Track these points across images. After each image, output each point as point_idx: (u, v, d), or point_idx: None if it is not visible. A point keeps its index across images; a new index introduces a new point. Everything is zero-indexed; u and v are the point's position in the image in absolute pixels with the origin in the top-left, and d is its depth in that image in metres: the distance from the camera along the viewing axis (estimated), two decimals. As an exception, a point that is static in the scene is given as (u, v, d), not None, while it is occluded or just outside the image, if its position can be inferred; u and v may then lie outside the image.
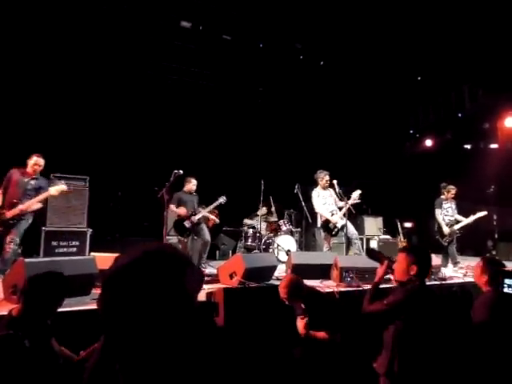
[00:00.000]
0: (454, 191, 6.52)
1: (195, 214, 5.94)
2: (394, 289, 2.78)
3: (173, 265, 0.76)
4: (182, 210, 5.90)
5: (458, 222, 6.41)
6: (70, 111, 6.99)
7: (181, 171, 4.84)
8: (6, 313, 2.60)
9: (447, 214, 6.48)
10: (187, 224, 5.88)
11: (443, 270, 5.14)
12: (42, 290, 2.13)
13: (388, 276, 3.02)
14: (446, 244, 6.31)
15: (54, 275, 2.23)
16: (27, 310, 2.13)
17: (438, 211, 6.48)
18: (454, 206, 6.54)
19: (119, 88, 7.37)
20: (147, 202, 6.18)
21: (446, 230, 6.33)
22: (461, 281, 4.82)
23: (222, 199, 6.06)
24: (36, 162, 4.48)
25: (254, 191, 6.84)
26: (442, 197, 6.56)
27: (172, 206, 5.85)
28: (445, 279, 4.64)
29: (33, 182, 4.47)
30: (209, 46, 7.20)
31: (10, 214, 4.29)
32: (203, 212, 6.04)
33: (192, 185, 6.11)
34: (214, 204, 6.07)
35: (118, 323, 0.73)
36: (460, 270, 5.68)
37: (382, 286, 2.83)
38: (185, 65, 7.59)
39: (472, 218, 6.32)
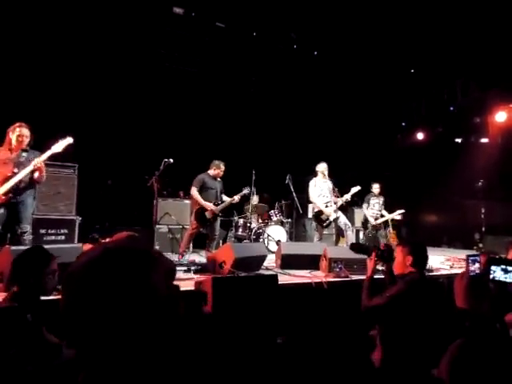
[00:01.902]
0: (378, 189, 7.40)
1: (218, 205, 5.62)
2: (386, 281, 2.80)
3: (135, 261, 0.74)
4: (204, 201, 5.54)
5: (382, 216, 7.32)
6: (60, 97, 6.87)
7: (171, 160, 4.80)
8: None
9: (373, 209, 7.33)
10: (208, 215, 5.59)
11: (430, 261, 5.20)
12: (24, 263, 2.24)
13: (379, 267, 3.05)
14: (369, 235, 7.25)
15: (33, 248, 2.38)
16: (21, 288, 2.19)
17: (365, 206, 7.36)
18: (381, 202, 7.40)
19: (109, 75, 7.24)
20: (137, 191, 6.13)
21: (372, 221, 7.25)
22: (447, 272, 4.88)
23: (247, 190, 5.83)
24: (20, 133, 4.01)
25: (245, 181, 6.82)
26: (371, 193, 7.36)
27: (194, 189, 5.56)
28: (432, 271, 4.69)
29: (25, 154, 4.03)
30: (201, 33, 7.10)
31: (4, 189, 3.84)
32: (226, 203, 5.72)
33: (220, 171, 5.73)
34: (238, 195, 5.81)
35: (81, 325, 0.71)
36: (447, 262, 5.76)
37: (376, 277, 2.85)
38: (176, 52, 7.49)
39: (392, 215, 7.34)
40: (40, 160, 3.92)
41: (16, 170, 3.93)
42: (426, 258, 2.62)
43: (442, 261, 5.93)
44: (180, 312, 0.82)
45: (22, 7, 5.88)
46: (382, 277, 3.18)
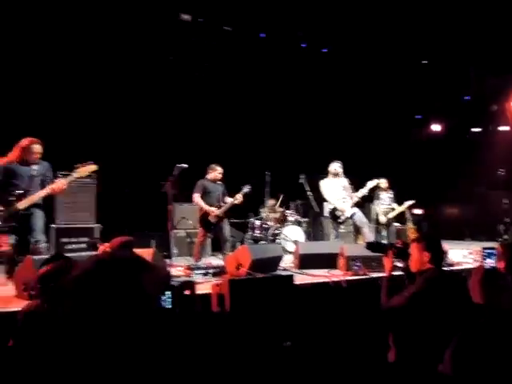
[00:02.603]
0: (386, 183, 7.38)
1: (220, 207, 5.69)
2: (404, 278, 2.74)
3: (126, 269, 0.76)
4: (207, 206, 5.62)
5: (393, 209, 7.36)
6: (77, 109, 7.03)
7: (184, 165, 4.83)
8: (19, 308, 2.70)
9: (384, 203, 7.38)
10: (212, 219, 5.66)
11: (452, 255, 5.09)
12: (52, 268, 2.26)
13: (397, 263, 2.99)
14: (382, 232, 7.31)
15: (57, 254, 2.47)
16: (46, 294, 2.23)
17: (375, 202, 7.39)
18: (391, 196, 7.45)
19: (123, 83, 7.36)
20: (153, 197, 6.21)
21: (382, 218, 7.31)
22: (470, 266, 4.76)
23: (247, 188, 5.81)
24: (35, 150, 4.14)
25: (259, 182, 6.83)
26: (379, 188, 7.27)
27: (196, 196, 5.68)
28: (453, 265, 4.59)
29: (36, 168, 4.18)
30: (209, 38, 7.14)
31: (21, 204, 3.97)
32: (228, 205, 5.74)
33: (217, 173, 5.81)
34: (239, 194, 5.75)
35: (80, 331, 0.73)
36: (470, 256, 5.62)
37: (395, 273, 2.80)
38: (185, 58, 7.56)
39: (402, 207, 7.36)
40: (64, 182, 4.10)
41: (30, 184, 4.08)
42: (442, 253, 2.57)
43: (465, 254, 5.78)
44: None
45: (31, 18, 6.03)
46: (401, 273, 3.13)
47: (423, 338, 2.29)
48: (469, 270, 4.55)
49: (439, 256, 2.53)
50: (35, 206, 4.12)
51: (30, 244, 4.10)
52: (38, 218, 4.16)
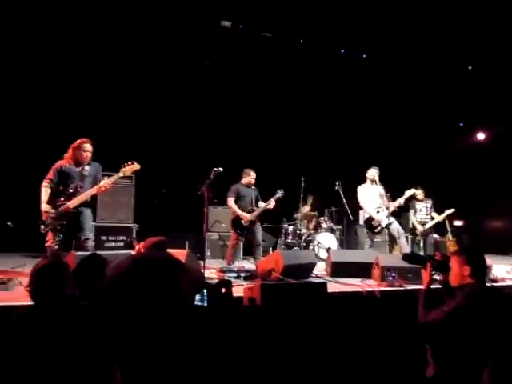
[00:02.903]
0: (421, 194, 7.27)
1: (253, 211, 5.74)
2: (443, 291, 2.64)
3: (164, 270, 0.79)
4: (239, 210, 5.72)
5: (433, 218, 7.24)
6: (117, 112, 7.32)
7: (220, 168, 4.89)
8: None
9: (420, 213, 7.27)
10: (244, 222, 5.71)
11: (495, 271, 4.84)
12: (82, 264, 2.53)
13: (435, 276, 2.89)
14: (418, 243, 7.23)
15: (92, 254, 2.77)
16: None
17: (411, 212, 7.31)
18: (429, 205, 7.31)
19: (163, 88, 7.60)
20: (189, 199, 6.33)
21: (419, 228, 7.18)
22: (514, 283, 4.51)
23: (280, 193, 5.82)
24: (86, 149, 4.30)
25: (294, 188, 6.81)
26: (414, 199, 7.19)
27: (230, 200, 5.79)
28: (496, 281, 4.36)
29: (87, 168, 4.33)
30: (248, 44, 7.23)
31: (72, 203, 4.14)
32: (261, 209, 5.77)
33: (251, 178, 5.89)
34: (272, 199, 5.78)
35: (118, 326, 0.76)
36: (514, 272, 5.32)
37: (432, 286, 2.71)
38: (226, 64, 7.69)
39: (442, 216, 7.21)
40: (108, 182, 4.23)
41: (82, 184, 4.25)
42: (485, 267, 2.45)
43: (509, 270, 5.48)
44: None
45: (69, 28, 6.34)
46: (439, 286, 3.01)
47: (462, 355, 2.19)
48: (512, 287, 4.31)
49: (480, 269, 2.40)
50: (84, 205, 4.29)
51: (77, 241, 4.27)
52: (87, 217, 4.34)
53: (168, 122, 7.85)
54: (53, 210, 4.13)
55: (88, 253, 3.48)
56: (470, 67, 8.12)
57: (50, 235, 4.15)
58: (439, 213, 7.32)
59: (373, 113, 8.82)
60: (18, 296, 3.14)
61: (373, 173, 6.08)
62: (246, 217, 5.69)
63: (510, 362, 1.35)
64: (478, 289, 2.33)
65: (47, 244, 4.16)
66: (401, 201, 6.07)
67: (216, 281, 3.47)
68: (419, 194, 7.24)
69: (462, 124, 9.68)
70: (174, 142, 7.84)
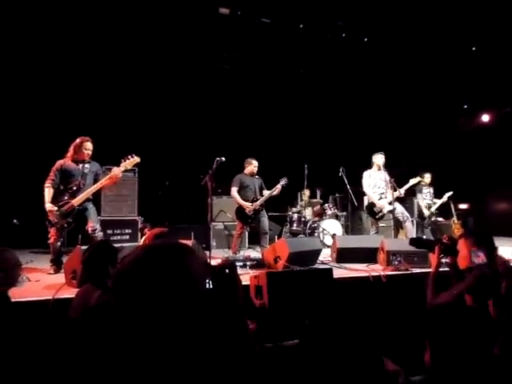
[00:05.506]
0: (429, 178, 7.36)
1: (257, 200, 5.75)
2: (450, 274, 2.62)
3: (174, 254, 0.79)
4: (242, 200, 5.74)
5: (435, 203, 7.33)
6: (118, 105, 7.29)
7: (223, 158, 4.88)
8: (68, 296, 2.90)
9: (426, 198, 7.34)
10: (248, 212, 5.74)
11: (501, 252, 4.82)
12: (94, 251, 2.49)
13: (444, 260, 2.88)
14: (427, 226, 7.25)
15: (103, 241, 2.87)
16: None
17: (419, 196, 7.35)
18: (432, 191, 7.39)
19: (162, 78, 7.55)
20: (193, 190, 6.34)
21: (426, 212, 7.25)
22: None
23: (284, 181, 5.82)
24: (86, 147, 4.38)
25: (297, 175, 6.78)
26: (422, 183, 7.22)
27: (234, 190, 5.83)
28: (503, 262, 4.34)
29: (88, 166, 4.42)
30: (247, 31, 7.13)
31: (76, 201, 4.24)
32: (265, 196, 5.78)
33: (253, 167, 5.91)
34: (276, 187, 5.78)
35: (131, 315, 0.76)
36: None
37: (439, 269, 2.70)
38: (225, 51, 7.61)
39: (442, 199, 7.31)
40: (120, 169, 4.32)
41: (84, 181, 4.35)
42: (494, 248, 2.43)
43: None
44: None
45: (75, 25, 6.29)
46: (447, 269, 3.01)
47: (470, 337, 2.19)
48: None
49: (489, 251, 2.39)
50: (88, 200, 4.40)
51: (85, 233, 4.36)
52: (92, 210, 4.46)
53: (169, 113, 7.81)
54: (56, 208, 4.20)
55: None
56: (473, 48, 7.96)
57: (52, 232, 4.21)
58: (440, 197, 7.37)
59: (376, 97, 8.72)
60: (26, 292, 3.19)
61: (379, 158, 6.05)
62: (248, 206, 5.70)
63: None
64: (488, 270, 2.32)
65: (50, 241, 4.23)
66: (405, 187, 6.08)
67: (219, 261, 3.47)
68: (427, 178, 7.33)
69: (466, 106, 9.56)
70: (176, 133, 7.81)
